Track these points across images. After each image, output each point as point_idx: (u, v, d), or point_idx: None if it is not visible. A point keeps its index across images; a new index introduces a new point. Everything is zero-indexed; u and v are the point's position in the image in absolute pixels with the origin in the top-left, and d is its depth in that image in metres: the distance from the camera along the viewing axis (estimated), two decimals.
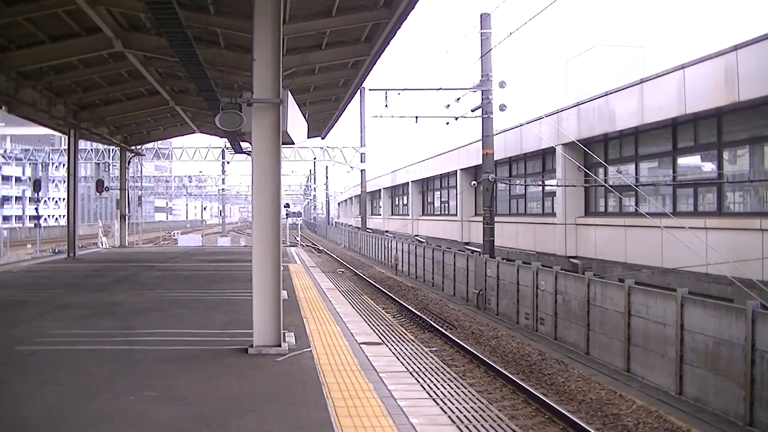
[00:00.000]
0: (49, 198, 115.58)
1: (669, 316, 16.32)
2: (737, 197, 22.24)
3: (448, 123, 35.59)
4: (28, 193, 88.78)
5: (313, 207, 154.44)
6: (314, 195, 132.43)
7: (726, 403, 14.41)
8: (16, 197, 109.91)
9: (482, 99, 31.35)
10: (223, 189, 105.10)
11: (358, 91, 34.53)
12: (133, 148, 47.31)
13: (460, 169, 44.88)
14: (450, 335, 22.72)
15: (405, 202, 65.25)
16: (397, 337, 21.86)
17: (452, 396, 14.92)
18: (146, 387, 9.91)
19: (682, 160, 24.02)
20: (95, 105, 34.76)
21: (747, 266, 17.81)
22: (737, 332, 14.09)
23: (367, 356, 12.55)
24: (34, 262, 34.37)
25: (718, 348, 14.72)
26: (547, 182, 32.79)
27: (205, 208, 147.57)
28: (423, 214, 58.40)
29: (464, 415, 13.46)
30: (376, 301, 30.99)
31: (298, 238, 68.17)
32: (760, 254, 18.21)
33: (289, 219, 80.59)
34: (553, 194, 31.81)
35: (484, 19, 30.75)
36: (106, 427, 8.22)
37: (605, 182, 26.71)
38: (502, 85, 30.80)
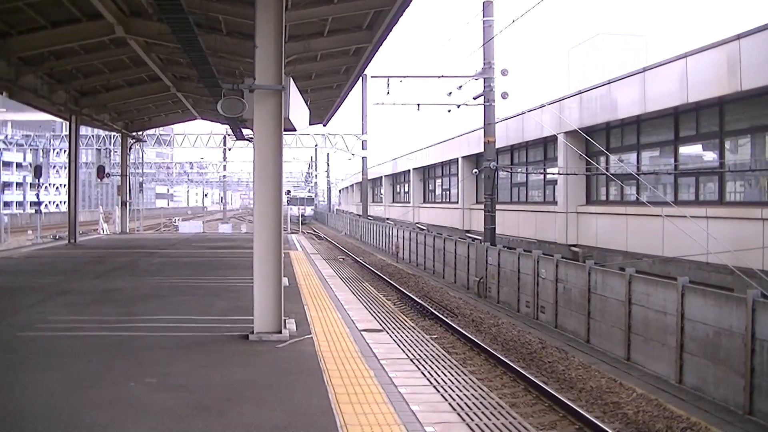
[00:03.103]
0: (50, 184, 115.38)
1: (669, 305, 16.32)
2: (738, 186, 22.21)
3: (450, 111, 35.48)
4: (29, 179, 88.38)
5: (314, 194, 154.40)
6: (315, 182, 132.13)
7: (725, 392, 14.42)
8: (17, 183, 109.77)
9: (484, 87, 31.28)
10: (224, 176, 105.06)
11: (360, 78, 34.57)
12: (134, 134, 47.33)
13: (462, 157, 44.79)
14: (451, 323, 22.72)
15: (406, 189, 65.15)
16: (397, 324, 21.89)
17: (453, 383, 14.94)
18: (146, 374, 9.93)
19: (683, 149, 23.97)
20: (96, 91, 34.73)
21: (748, 255, 17.80)
22: (737, 321, 14.09)
23: (367, 343, 12.59)
24: (34, 248, 34.42)
25: (718, 337, 14.73)
26: (548, 170, 32.74)
27: (206, 195, 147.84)
28: (424, 202, 58.33)
29: (465, 403, 13.48)
30: (376, 288, 31.02)
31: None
32: (761, 243, 18.20)
33: (292, 207, 79.59)
34: (554, 182, 31.79)
35: (487, 6, 30.67)
36: (105, 413, 8.24)
37: (607, 171, 26.67)
38: (504, 73, 30.74)
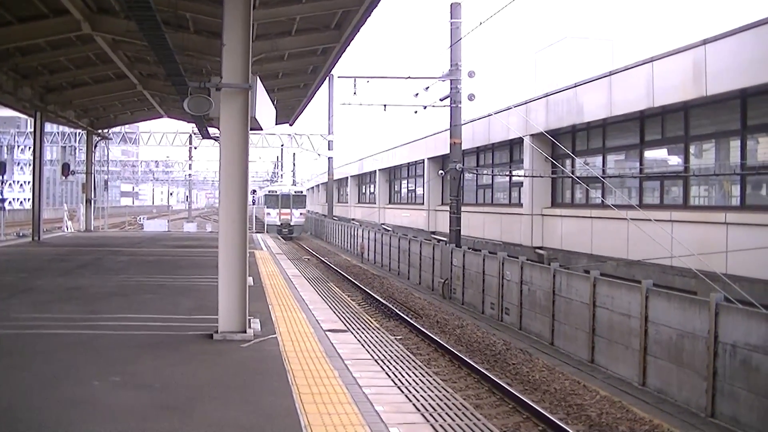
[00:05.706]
0: (14, 181, 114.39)
1: (633, 308, 16.42)
2: (702, 191, 22.39)
3: (416, 112, 35.54)
4: None
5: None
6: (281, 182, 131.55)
7: (688, 394, 14.54)
8: None
9: (451, 88, 31.34)
10: (189, 174, 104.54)
11: (327, 78, 34.52)
12: (99, 131, 47.02)
13: (428, 158, 44.77)
14: (415, 324, 22.76)
15: (372, 190, 65.07)
16: (362, 324, 21.85)
17: (417, 384, 14.93)
18: (111, 372, 9.86)
19: (648, 153, 24.11)
20: (62, 88, 34.45)
21: (711, 259, 17.94)
22: (701, 325, 14.19)
23: (332, 343, 12.58)
24: None
25: (681, 340, 14.84)
26: (514, 172, 32.84)
27: (171, 194, 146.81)
28: (390, 203, 58.32)
29: (429, 404, 13.47)
30: (341, 288, 30.97)
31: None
32: (724, 247, 18.35)
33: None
34: (520, 185, 31.84)
35: (454, 8, 30.75)
36: (70, 413, 8.18)
37: (572, 173, 26.79)
38: (471, 74, 30.75)
